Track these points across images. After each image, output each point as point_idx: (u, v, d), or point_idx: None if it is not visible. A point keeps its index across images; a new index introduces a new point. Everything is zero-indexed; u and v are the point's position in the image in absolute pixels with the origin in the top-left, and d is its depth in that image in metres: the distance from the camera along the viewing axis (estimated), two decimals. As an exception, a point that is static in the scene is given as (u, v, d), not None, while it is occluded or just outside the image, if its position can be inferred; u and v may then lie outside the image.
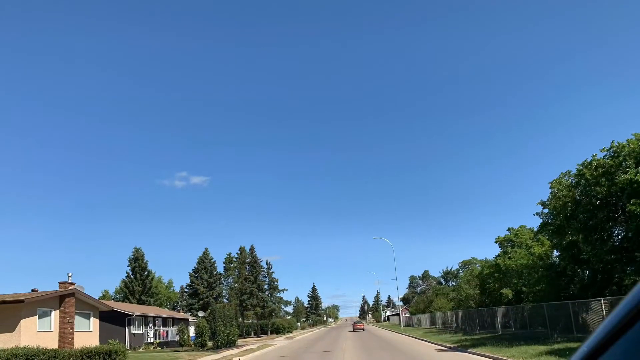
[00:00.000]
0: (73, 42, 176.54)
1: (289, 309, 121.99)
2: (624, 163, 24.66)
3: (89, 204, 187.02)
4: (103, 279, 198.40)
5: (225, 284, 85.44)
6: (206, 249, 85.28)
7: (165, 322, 59.18)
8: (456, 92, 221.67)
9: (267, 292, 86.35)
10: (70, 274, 32.19)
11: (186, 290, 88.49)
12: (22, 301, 27.76)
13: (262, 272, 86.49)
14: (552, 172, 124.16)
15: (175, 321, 61.19)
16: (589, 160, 27.01)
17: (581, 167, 27.44)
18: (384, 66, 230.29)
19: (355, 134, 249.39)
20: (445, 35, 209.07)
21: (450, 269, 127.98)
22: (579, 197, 28.29)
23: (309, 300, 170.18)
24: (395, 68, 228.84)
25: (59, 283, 32.01)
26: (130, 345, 46.88)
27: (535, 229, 39.91)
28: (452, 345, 32.33)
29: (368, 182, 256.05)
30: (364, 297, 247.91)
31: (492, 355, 23.72)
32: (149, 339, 53.37)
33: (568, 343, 24.90)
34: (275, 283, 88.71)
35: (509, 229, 46.07)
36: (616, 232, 27.48)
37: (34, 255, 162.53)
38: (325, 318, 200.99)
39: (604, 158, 26.20)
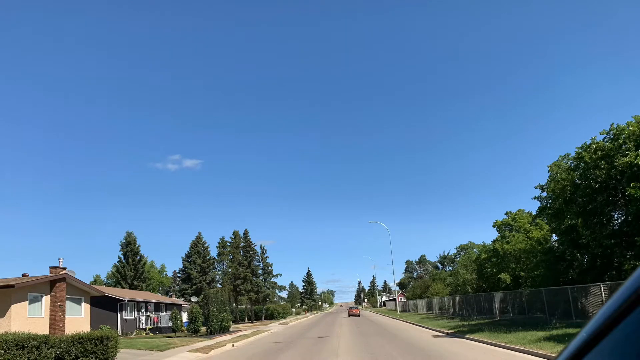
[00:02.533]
0: (64, 22, 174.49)
1: (284, 294, 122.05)
2: (623, 146, 24.32)
3: (80, 187, 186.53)
4: (95, 264, 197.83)
5: (218, 268, 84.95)
6: (199, 233, 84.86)
7: (157, 307, 58.81)
8: (453, 74, 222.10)
9: (261, 277, 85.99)
10: (61, 258, 31.67)
11: (179, 275, 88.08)
12: (12, 286, 27.25)
13: (256, 257, 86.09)
14: (551, 156, 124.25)
15: (168, 306, 60.86)
16: (588, 143, 26.71)
17: (580, 150, 27.13)
18: (380, 47, 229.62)
19: (351, 116, 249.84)
20: (443, 16, 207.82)
21: (448, 254, 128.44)
22: (578, 180, 27.91)
23: (303, 286, 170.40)
24: (392, 49, 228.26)
25: (50, 268, 31.48)
26: (122, 331, 46.52)
27: (534, 213, 39.58)
28: (449, 331, 32.09)
29: (364, 166, 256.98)
30: (359, 282, 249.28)
31: (490, 341, 23.41)
32: (141, 324, 53.02)
33: (567, 329, 24.64)
34: (270, 268, 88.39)
35: (507, 213, 45.70)
36: (616, 216, 27.22)
37: (25, 239, 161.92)
38: (320, 303, 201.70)
39: (603, 141, 25.86)
